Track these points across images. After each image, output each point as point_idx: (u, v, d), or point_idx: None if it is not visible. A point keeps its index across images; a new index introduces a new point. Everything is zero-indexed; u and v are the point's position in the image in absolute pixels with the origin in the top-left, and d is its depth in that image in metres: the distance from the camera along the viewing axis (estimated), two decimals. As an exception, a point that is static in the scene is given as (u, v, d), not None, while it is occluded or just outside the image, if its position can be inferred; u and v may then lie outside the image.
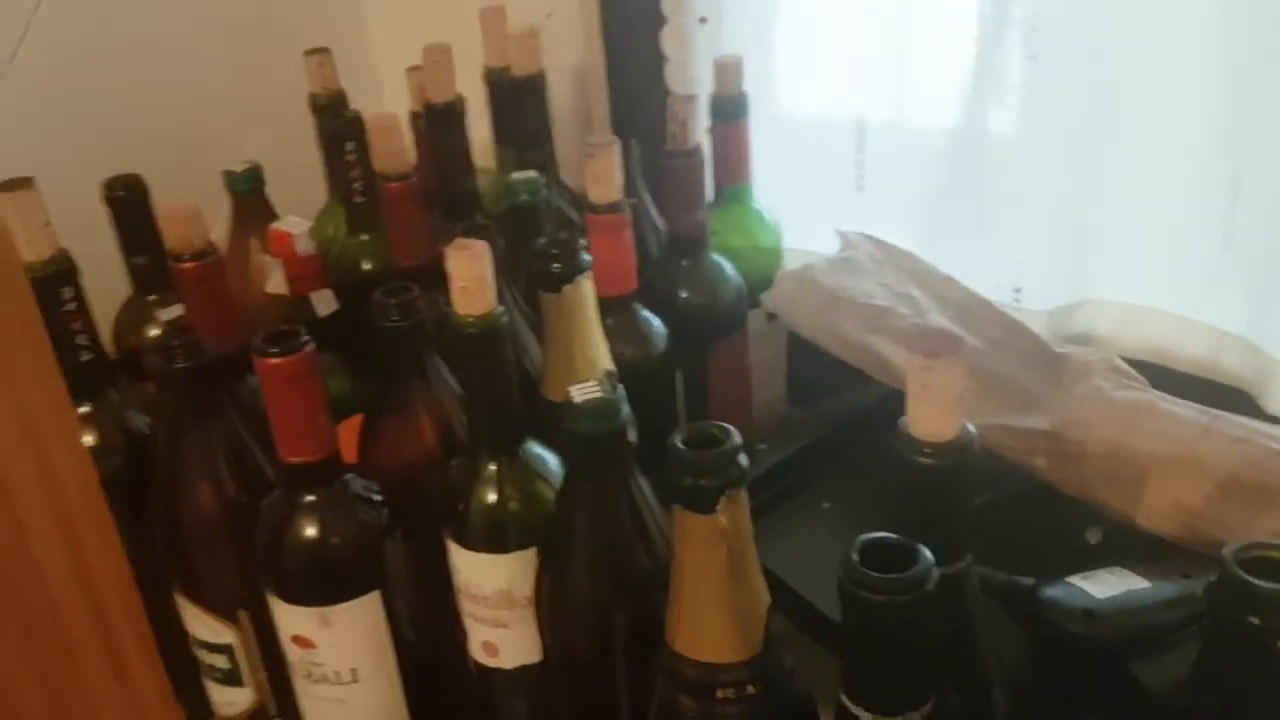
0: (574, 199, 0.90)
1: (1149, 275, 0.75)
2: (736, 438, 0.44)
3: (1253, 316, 0.70)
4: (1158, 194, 0.72)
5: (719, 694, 0.45)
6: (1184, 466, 0.63)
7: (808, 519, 0.74)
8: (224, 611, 0.64)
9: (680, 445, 0.43)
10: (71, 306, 0.63)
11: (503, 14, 0.88)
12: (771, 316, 0.84)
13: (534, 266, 0.64)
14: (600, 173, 0.68)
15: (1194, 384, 0.73)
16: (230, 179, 0.83)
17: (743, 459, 0.44)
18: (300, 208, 0.93)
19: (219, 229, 0.87)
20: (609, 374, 0.66)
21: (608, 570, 0.53)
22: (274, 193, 0.86)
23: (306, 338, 0.55)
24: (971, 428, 0.44)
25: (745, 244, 0.85)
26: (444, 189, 0.83)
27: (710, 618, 0.46)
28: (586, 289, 0.64)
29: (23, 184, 0.61)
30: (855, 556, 0.39)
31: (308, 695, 0.62)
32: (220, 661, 0.65)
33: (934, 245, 0.82)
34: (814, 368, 0.83)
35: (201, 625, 0.65)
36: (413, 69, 0.89)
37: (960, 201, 0.81)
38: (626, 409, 0.52)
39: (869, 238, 0.84)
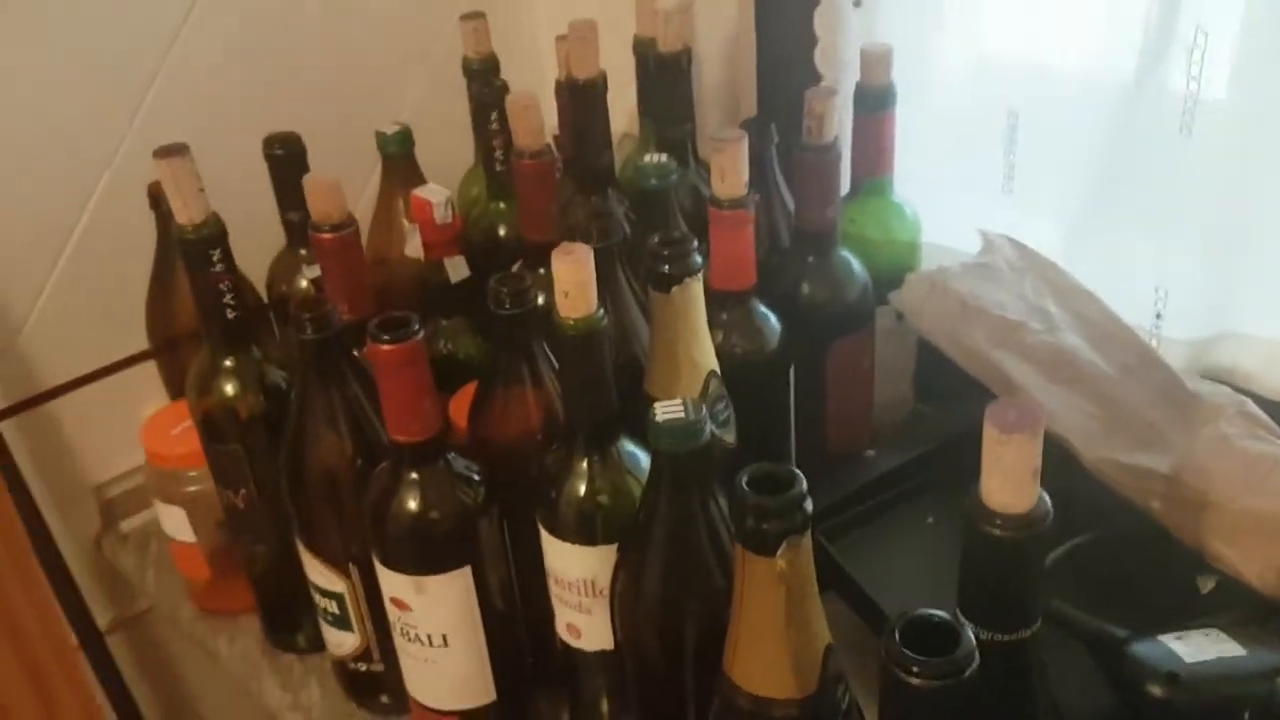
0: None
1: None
2: (803, 484, 0.44)
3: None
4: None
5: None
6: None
7: (907, 534, 0.73)
8: (337, 562, 0.69)
9: (745, 486, 0.44)
10: (219, 268, 0.67)
11: (656, -15, 0.88)
12: (900, 315, 0.82)
13: (645, 264, 0.64)
14: (726, 167, 0.68)
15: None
16: (381, 140, 0.87)
17: (808, 505, 0.44)
18: (452, 165, 0.96)
19: (371, 186, 0.91)
20: (710, 375, 0.67)
21: (675, 581, 0.55)
22: (427, 149, 0.89)
23: (416, 326, 0.58)
24: (1047, 500, 0.43)
25: (881, 238, 0.83)
26: (580, 163, 0.84)
27: (765, 653, 0.46)
28: (695, 292, 0.64)
29: (178, 150, 0.65)
30: (896, 634, 0.39)
31: (404, 652, 0.66)
32: (332, 606, 0.70)
33: (1080, 249, 0.78)
34: (944, 368, 0.80)
35: (317, 572, 0.70)
36: (561, 38, 0.89)
37: (1112, 209, 0.77)
38: (708, 429, 0.53)
39: (1012, 241, 0.81)
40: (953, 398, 0.82)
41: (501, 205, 0.88)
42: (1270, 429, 0.64)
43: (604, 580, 0.61)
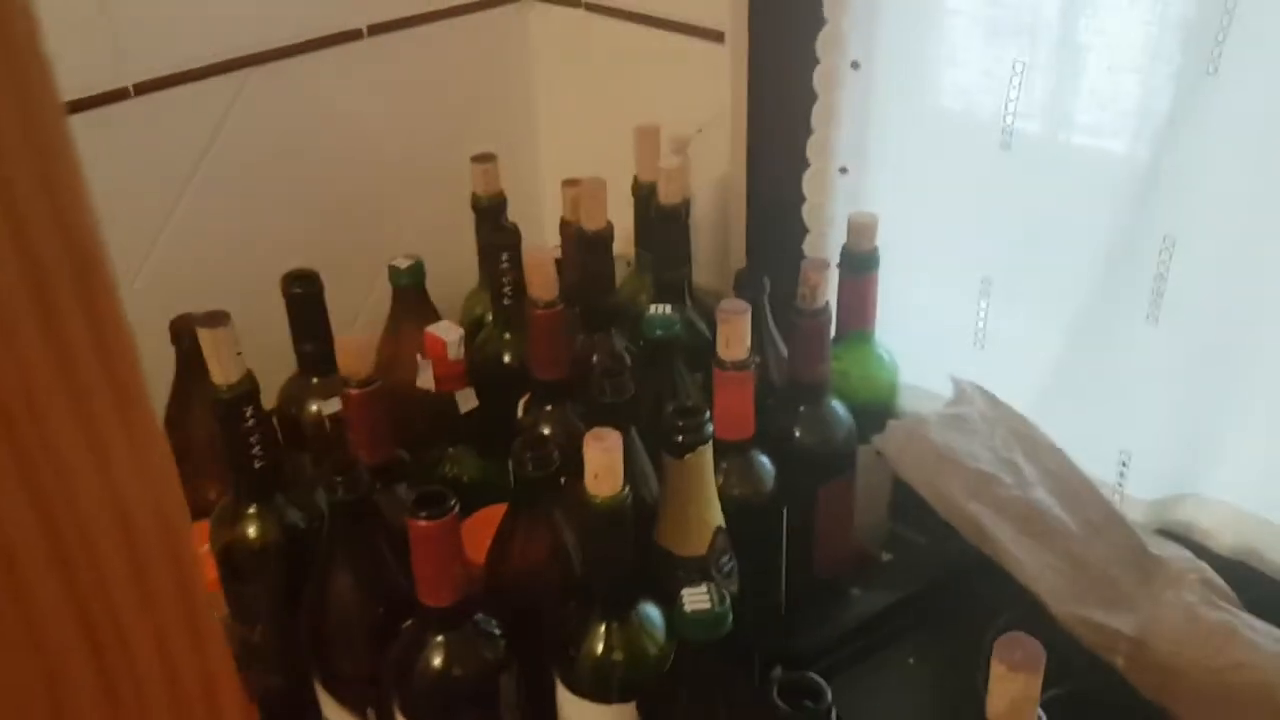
0: (704, 312, 0.95)
1: (1255, 479, 0.76)
2: (828, 695, 0.49)
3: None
4: (1276, 401, 0.73)
5: None
6: (1258, 703, 0.65)
7: (890, 674, 0.79)
8: (355, 706, 0.72)
9: (779, 702, 0.48)
10: (250, 422, 0.71)
11: (656, 134, 0.93)
12: (880, 453, 0.88)
13: (661, 429, 0.69)
14: (731, 336, 0.74)
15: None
16: (394, 274, 0.91)
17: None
18: (455, 280, 1.01)
19: (382, 317, 0.95)
20: (718, 531, 0.72)
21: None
22: (431, 265, 0.93)
23: (452, 502, 0.62)
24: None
25: (864, 382, 0.89)
26: (584, 302, 0.89)
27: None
28: (706, 458, 0.69)
29: (220, 320, 0.69)
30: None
31: (422, 796, 0.70)
32: (348, 742, 0.74)
33: (1048, 405, 0.85)
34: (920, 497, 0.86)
35: (334, 711, 0.73)
36: (568, 182, 0.95)
37: (1078, 373, 0.83)
38: (730, 616, 0.57)
39: (983, 392, 0.87)
40: (928, 521, 0.89)
41: (507, 336, 0.93)
42: (1228, 597, 0.71)
43: (618, 734, 0.65)
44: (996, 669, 0.46)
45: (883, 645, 0.80)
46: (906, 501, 0.91)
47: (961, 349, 0.90)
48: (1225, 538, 0.78)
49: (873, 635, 0.80)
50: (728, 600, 0.57)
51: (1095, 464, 0.81)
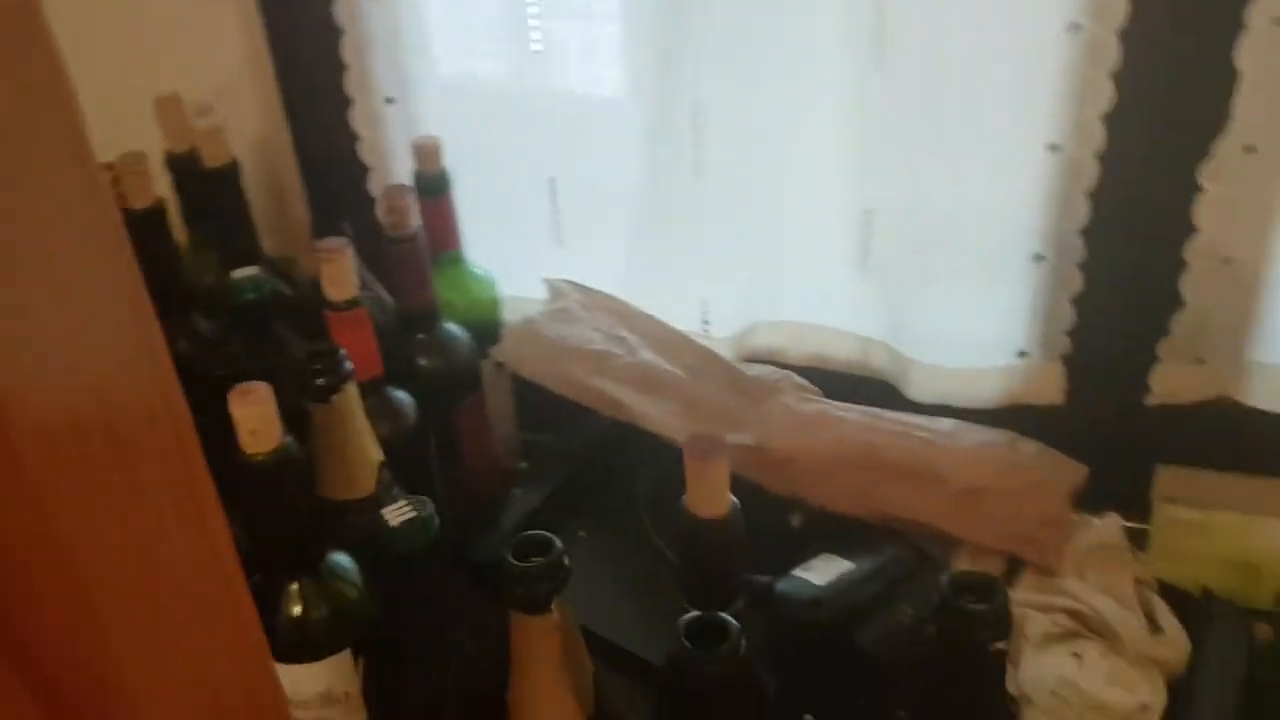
0: (281, 273, 0.92)
1: (808, 298, 0.91)
2: (557, 543, 0.52)
3: (888, 325, 0.88)
4: (810, 234, 0.87)
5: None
6: (859, 461, 0.79)
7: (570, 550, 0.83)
8: None
9: (512, 560, 0.51)
10: None
11: (178, 101, 0.87)
12: (499, 364, 0.92)
13: (296, 379, 0.67)
14: (336, 275, 0.72)
15: (851, 381, 0.90)
16: None
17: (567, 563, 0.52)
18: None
19: None
20: (381, 466, 0.71)
21: (440, 662, 0.60)
22: None
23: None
24: (736, 501, 0.55)
25: (465, 300, 0.92)
26: (154, 288, 0.82)
27: (546, 696, 0.54)
28: (353, 394, 0.68)
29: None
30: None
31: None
32: None
33: (632, 286, 0.93)
34: (540, 397, 0.90)
35: None
36: (104, 166, 0.85)
37: (650, 249, 0.92)
38: (436, 516, 0.58)
39: (573, 284, 0.94)
40: (553, 425, 0.94)
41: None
42: (814, 392, 0.84)
43: (339, 687, 0.63)
44: (691, 463, 0.52)
45: (556, 529, 0.84)
46: (530, 410, 0.96)
47: (543, 250, 0.96)
48: (797, 350, 0.92)
49: (543, 522, 0.84)
50: (428, 503, 0.58)
51: (683, 318, 0.92)
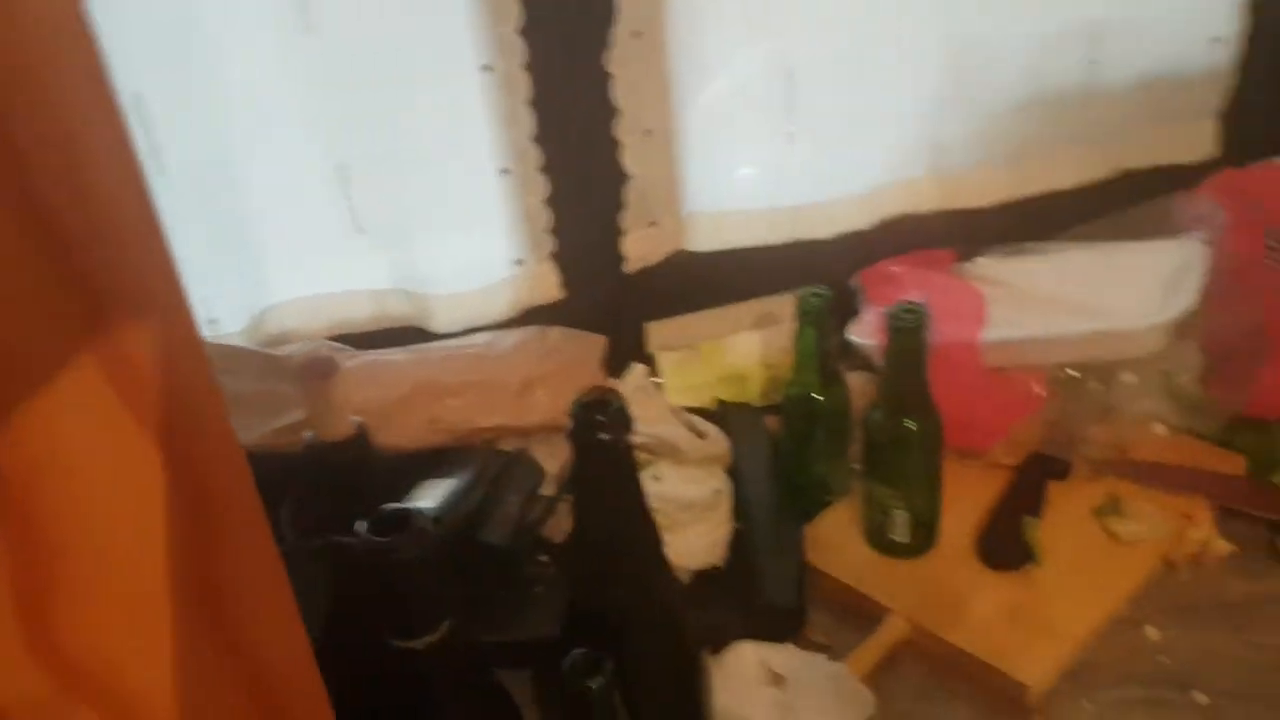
0: None
1: (309, 268, 0.91)
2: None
3: (395, 272, 0.92)
4: (289, 203, 0.88)
5: None
6: (422, 392, 0.83)
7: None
8: None
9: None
10: None
11: None
12: None
13: None
14: None
15: (380, 336, 0.93)
16: None
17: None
18: None
19: None
20: None
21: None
22: None
23: None
24: (359, 420, 0.57)
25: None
26: None
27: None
28: None
29: None
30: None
31: None
32: None
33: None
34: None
35: None
36: None
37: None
38: None
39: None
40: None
41: None
42: (348, 349, 0.86)
43: None
44: (309, 389, 0.53)
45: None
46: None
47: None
48: (316, 323, 0.93)
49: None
50: None
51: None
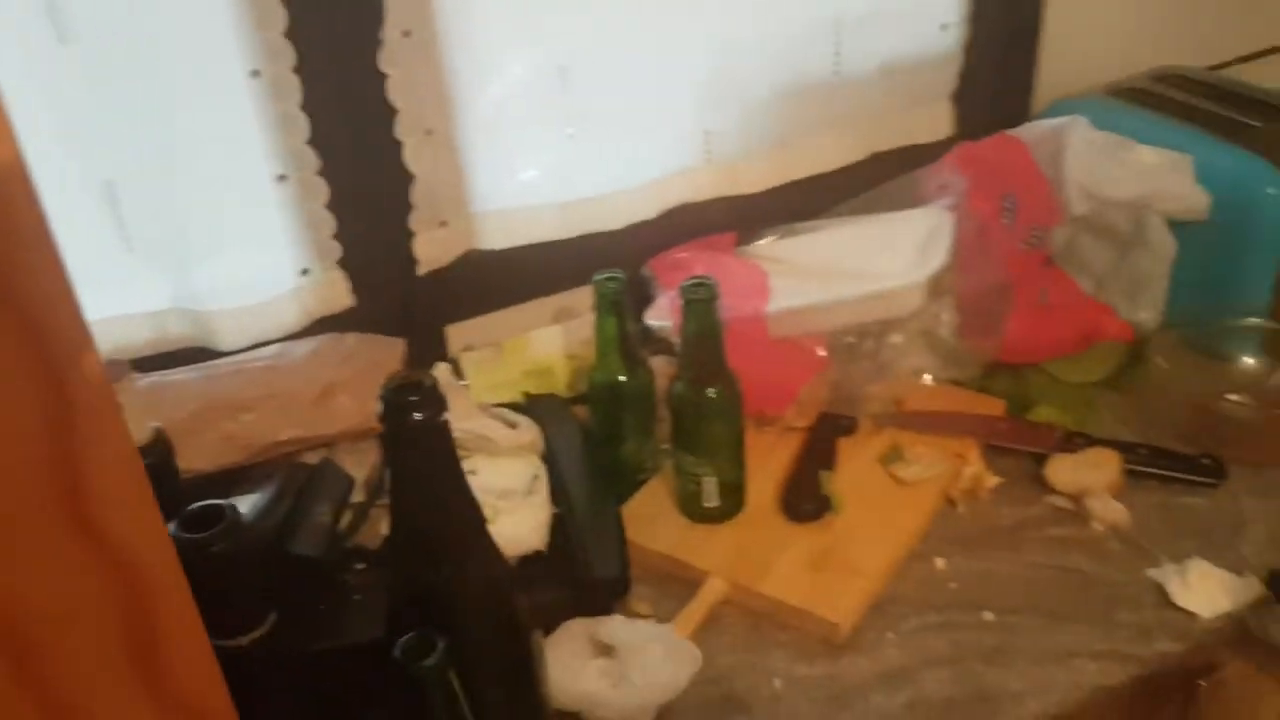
0: None
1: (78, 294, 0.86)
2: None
3: (173, 291, 0.88)
4: (55, 227, 0.82)
5: None
6: (213, 409, 0.80)
7: None
8: None
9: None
10: None
11: None
12: None
13: None
14: None
15: (160, 360, 0.88)
16: None
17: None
18: None
19: None
20: None
21: None
22: None
23: None
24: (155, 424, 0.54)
25: None
26: None
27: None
28: None
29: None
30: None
31: None
32: None
33: None
34: None
35: None
36: None
37: None
38: None
39: None
40: None
41: None
42: (134, 374, 0.81)
43: None
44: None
45: None
46: None
47: None
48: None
49: None
50: None
51: None
